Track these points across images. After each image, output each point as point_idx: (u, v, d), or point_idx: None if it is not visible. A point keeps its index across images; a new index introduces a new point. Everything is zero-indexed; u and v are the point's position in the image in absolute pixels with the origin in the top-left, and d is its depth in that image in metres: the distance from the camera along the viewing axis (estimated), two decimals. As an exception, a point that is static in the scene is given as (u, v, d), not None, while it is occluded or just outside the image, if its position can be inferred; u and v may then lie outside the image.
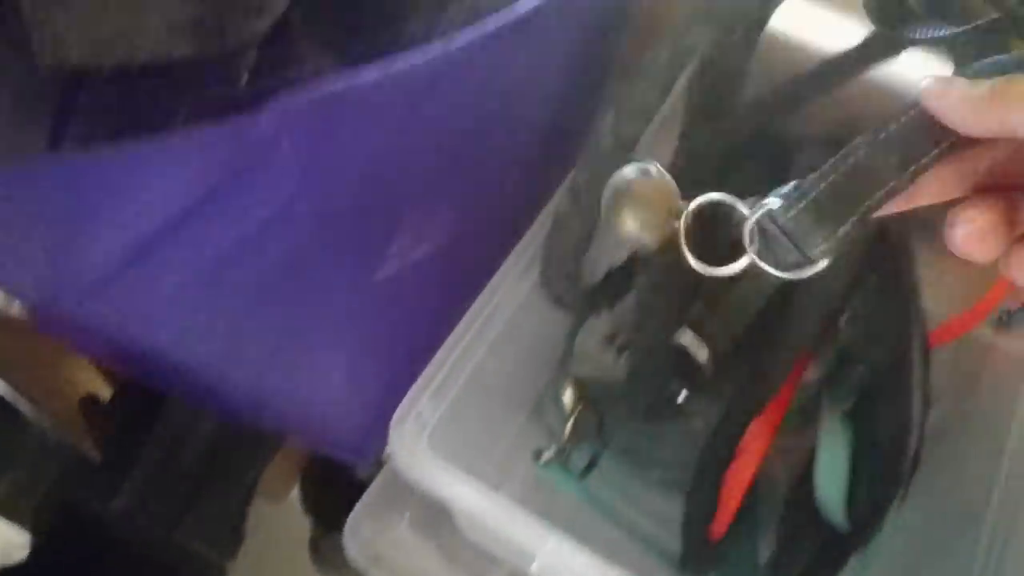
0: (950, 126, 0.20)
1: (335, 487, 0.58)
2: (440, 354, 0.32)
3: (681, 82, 0.43)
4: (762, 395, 0.36)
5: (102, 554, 0.44)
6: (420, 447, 0.31)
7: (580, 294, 0.38)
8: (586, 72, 0.36)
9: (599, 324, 0.40)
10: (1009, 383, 0.38)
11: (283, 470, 0.61)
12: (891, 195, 0.20)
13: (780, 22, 0.47)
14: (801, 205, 0.20)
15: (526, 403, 0.43)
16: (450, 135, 0.30)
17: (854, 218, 0.20)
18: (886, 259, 0.36)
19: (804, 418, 0.39)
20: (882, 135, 0.20)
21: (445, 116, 0.29)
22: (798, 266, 0.21)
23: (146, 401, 0.49)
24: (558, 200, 0.32)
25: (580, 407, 0.41)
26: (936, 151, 0.20)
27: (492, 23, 0.27)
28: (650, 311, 0.36)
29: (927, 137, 0.20)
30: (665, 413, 0.41)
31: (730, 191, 0.45)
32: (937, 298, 0.48)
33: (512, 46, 0.29)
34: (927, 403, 0.38)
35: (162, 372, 0.34)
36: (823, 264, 0.21)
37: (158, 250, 0.26)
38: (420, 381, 0.32)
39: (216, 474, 0.53)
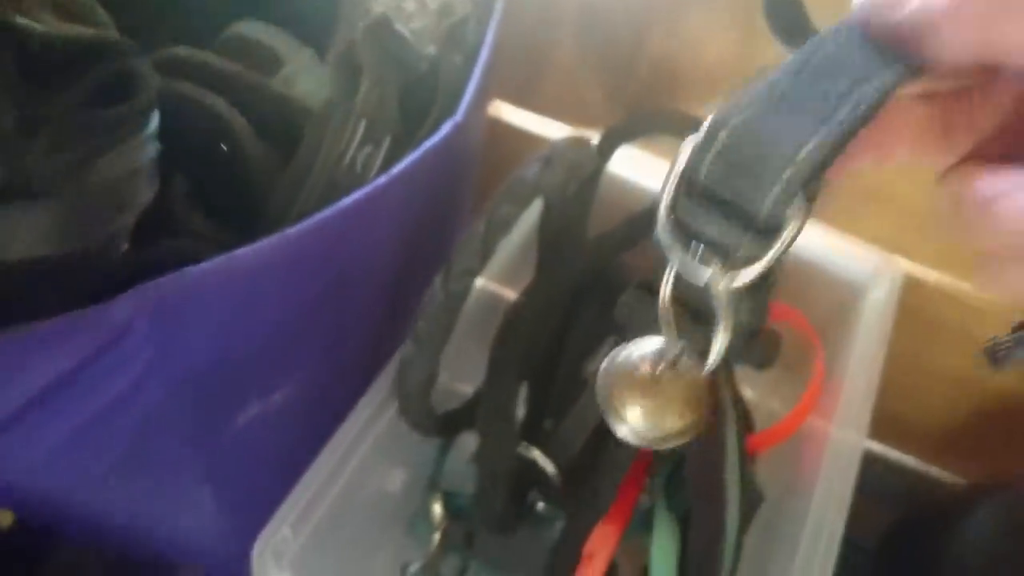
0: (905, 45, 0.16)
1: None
2: (299, 485, 0.37)
3: (533, 223, 0.50)
4: (602, 502, 0.41)
5: None
6: (281, 576, 0.35)
7: (438, 422, 0.43)
8: (428, 236, 0.42)
9: (462, 443, 0.46)
10: (813, 470, 0.44)
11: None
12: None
13: (619, 166, 0.55)
14: None
15: (400, 523, 0.47)
16: (298, 306, 0.35)
17: None
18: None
19: (649, 521, 0.45)
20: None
21: (291, 291, 0.34)
22: None
23: (43, 532, 0.51)
24: (404, 347, 0.38)
25: (447, 521, 0.45)
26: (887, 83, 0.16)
27: (329, 211, 0.33)
28: (495, 433, 0.41)
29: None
30: (524, 522, 0.46)
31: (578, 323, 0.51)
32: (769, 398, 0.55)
33: (351, 226, 0.35)
34: (751, 505, 0.44)
35: (43, 515, 0.38)
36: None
37: (30, 415, 0.31)
38: (279, 512, 0.36)
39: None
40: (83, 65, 0.32)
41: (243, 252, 0.31)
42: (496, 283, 0.53)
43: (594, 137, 0.47)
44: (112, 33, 0.47)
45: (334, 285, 0.36)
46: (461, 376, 0.46)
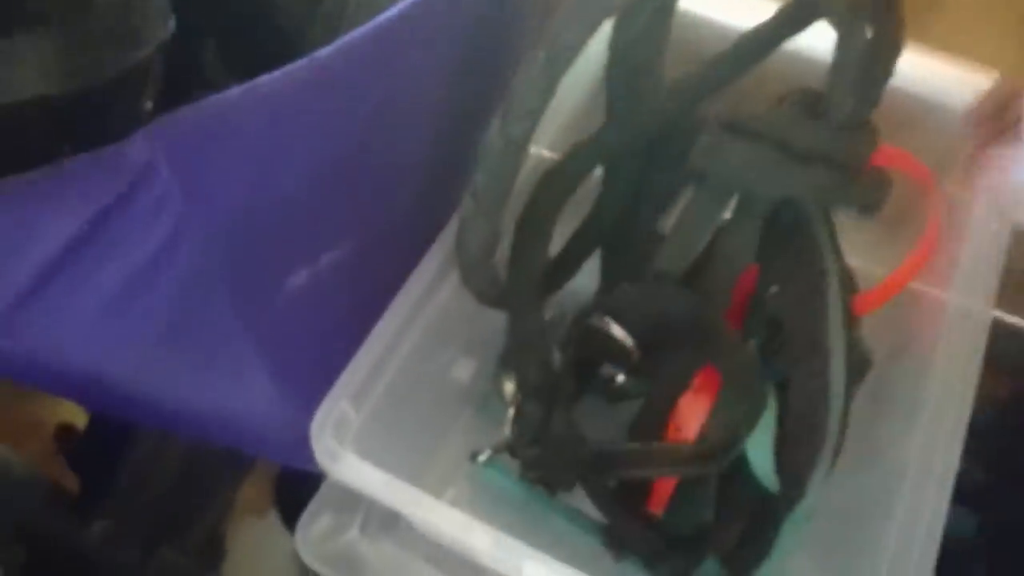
0: None
1: (308, 497, 0.59)
2: (358, 357, 0.33)
3: (597, 72, 0.44)
4: (685, 371, 0.37)
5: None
6: (344, 453, 0.32)
7: (507, 290, 0.39)
8: (481, 75, 0.37)
9: (536, 316, 0.41)
10: (930, 338, 0.39)
11: (262, 484, 0.62)
12: None
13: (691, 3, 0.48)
14: None
15: (471, 401, 0.44)
16: (337, 144, 0.31)
17: None
18: (794, 225, 0.37)
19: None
20: None
21: (326, 125, 0.30)
22: None
23: (119, 426, 0.50)
24: (463, 203, 0.33)
25: (522, 398, 0.41)
26: None
27: (358, 33, 0.28)
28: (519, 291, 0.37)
29: None
30: (605, 396, 0.42)
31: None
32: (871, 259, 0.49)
33: (390, 50, 0.30)
34: (857, 369, 0.39)
35: (97, 398, 0.35)
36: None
37: (53, 282, 0.28)
38: (337, 385, 0.33)
39: (191, 492, 0.54)
40: None
41: (270, 78, 0.26)
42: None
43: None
44: None
45: (376, 121, 0.32)
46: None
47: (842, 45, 0.36)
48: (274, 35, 0.40)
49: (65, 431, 0.54)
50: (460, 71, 0.35)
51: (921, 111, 0.45)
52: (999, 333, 0.57)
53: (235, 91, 0.26)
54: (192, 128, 0.26)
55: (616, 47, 0.42)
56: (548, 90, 0.31)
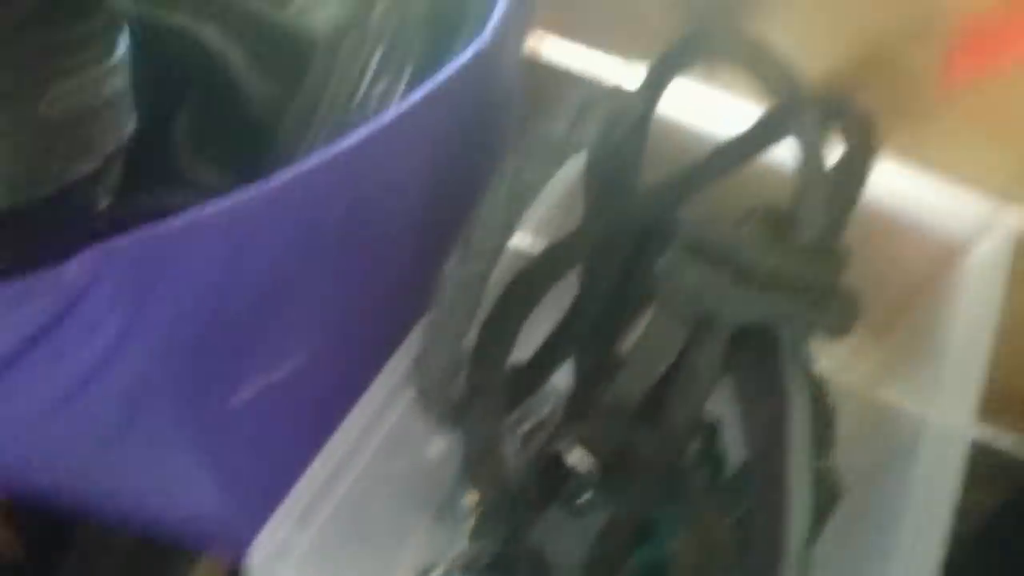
0: None
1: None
2: (305, 478, 0.32)
3: (577, 173, 0.44)
4: (648, 499, 0.36)
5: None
6: (284, 577, 0.31)
7: (465, 400, 0.38)
8: (454, 182, 0.36)
9: (495, 429, 0.40)
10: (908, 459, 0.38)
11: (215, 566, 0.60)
12: None
13: (671, 107, 0.48)
14: None
15: (426, 516, 0.42)
16: (293, 263, 0.30)
17: None
18: (759, 348, 0.36)
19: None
20: None
21: (281, 246, 0.29)
22: None
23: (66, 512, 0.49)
24: (422, 332, 0.33)
25: (481, 513, 0.40)
26: None
27: (319, 155, 0.27)
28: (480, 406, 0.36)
29: None
30: (563, 512, 0.41)
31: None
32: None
33: (350, 172, 0.29)
34: (826, 502, 0.38)
35: (39, 494, 0.34)
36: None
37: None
38: (280, 509, 0.31)
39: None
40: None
41: (216, 207, 0.26)
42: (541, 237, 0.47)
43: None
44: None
45: (335, 240, 0.31)
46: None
47: (809, 166, 0.36)
48: (246, 125, 0.40)
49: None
50: (423, 189, 0.35)
51: (906, 226, 0.45)
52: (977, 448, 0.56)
53: (180, 219, 0.25)
54: (135, 254, 0.25)
55: (594, 152, 0.42)
56: (509, 227, 0.30)
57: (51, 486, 0.36)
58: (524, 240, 0.46)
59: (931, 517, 0.35)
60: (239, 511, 0.36)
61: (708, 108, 0.47)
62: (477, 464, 0.37)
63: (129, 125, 0.31)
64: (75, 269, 0.25)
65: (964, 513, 0.39)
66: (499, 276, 0.39)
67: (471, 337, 0.37)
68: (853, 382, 0.50)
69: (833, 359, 0.50)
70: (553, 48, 0.53)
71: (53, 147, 0.27)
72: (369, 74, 0.36)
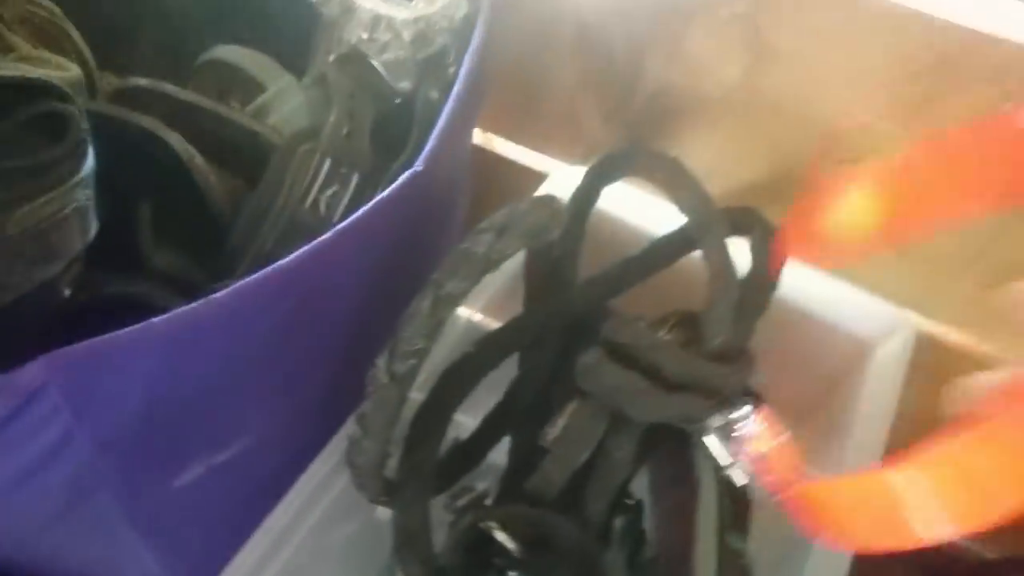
0: None
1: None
2: (242, 554, 0.34)
3: (517, 267, 0.47)
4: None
5: None
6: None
7: (396, 485, 0.40)
8: (398, 282, 0.39)
9: (421, 513, 0.43)
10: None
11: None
12: None
13: (610, 204, 0.51)
14: None
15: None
16: (240, 363, 0.33)
17: None
18: (672, 441, 0.39)
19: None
20: None
21: (223, 354, 0.32)
22: None
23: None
24: (351, 427, 0.35)
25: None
26: None
27: (256, 276, 0.30)
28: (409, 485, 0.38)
29: None
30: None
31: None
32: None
33: (290, 285, 0.32)
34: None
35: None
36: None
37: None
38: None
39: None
40: (8, 105, 0.30)
41: (162, 320, 0.28)
42: (489, 316, 0.50)
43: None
44: (74, 55, 0.45)
45: (280, 342, 0.34)
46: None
47: (717, 278, 0.39)
48: (205, 219, 0.43)
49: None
50: (368, 292, 0.38)
51: (816, 329, 0.49)
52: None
53: (129, 330, 0.28)
54: (84, 360, 0.28)
55: (532, 249, 0.45)
56: (432, 334, 0.33)
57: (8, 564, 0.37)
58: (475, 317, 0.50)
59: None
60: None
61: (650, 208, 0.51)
62: (405, 544, 0.39)
63: (93, 227, 0.34)
64: (28, 374, 0.28)
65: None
66: (446, 352, 0.41)
67: (405, 424, 0.40)
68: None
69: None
70: (505, 147, 0.57)
71: (19, 256, 0.30)
72: (320, 179, 0.40)
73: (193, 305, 0.29)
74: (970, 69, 0.40)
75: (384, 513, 0.46)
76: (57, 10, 0.47)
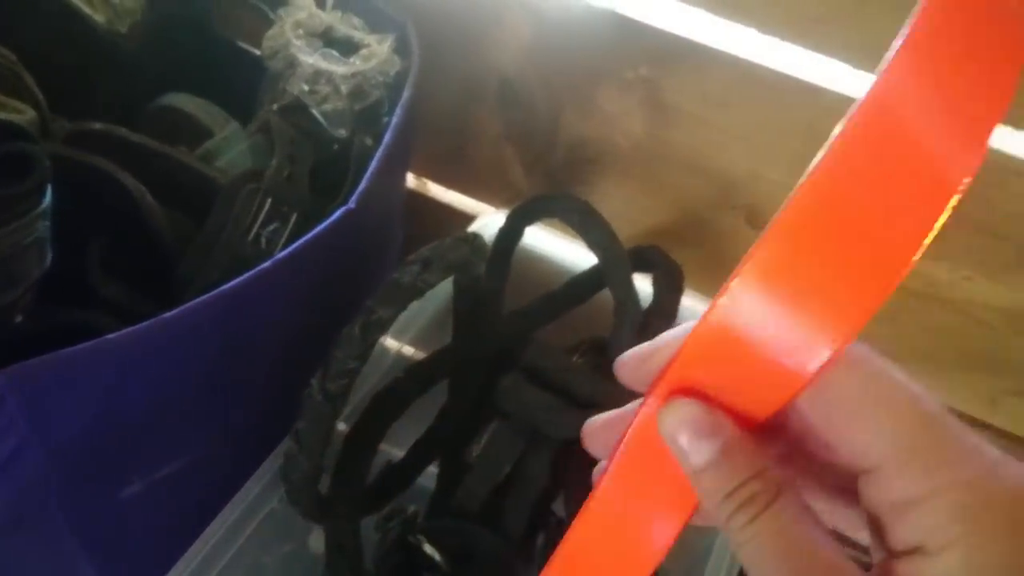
0: None
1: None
2: (179, 564, 0.37)
3: (442, 302, 0.51)
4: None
5: None
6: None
7: (327, 502, 0.43)
8: (331, 312, 0.43)
9: (351, 529, 0.46)
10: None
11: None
12: None
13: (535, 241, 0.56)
14: None
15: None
16: (180, 386, 0.36)
17: None
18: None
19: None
20: None
21: (168, 374, 0.35)
22: None
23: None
24: (287, 444, 0.38)
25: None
26: None
27: (207, 296, 0.33)
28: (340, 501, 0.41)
29: None
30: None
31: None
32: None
33: (234, 309, 0.36)
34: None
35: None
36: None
37: None
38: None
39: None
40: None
41: (113, 337, 0.31)
42: (419, 348, 0.54)
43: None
44: (30, 101, 0.48)
45: (221, 365, 0.37)
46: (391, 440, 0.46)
47: (620, 310, 0.44)
48: (153, 252, 0.46)
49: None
50: (304, 320, 0.41)
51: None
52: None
53: (84, 346, 0.31)
54: (40, 373, 0.31)
55: (460, 284, 0.49)
56: (363, 355, 0.37)
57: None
58: (404, 349, 0.53)
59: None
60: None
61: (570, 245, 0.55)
62: (337, 559, 0.42)
63: (49, 257, 0.37)
64: (-10, 384, 0.30)
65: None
66: (376, 382, 0.44)
67: (337, 443, 0.43)
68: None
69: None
70: (437, 190, 0.61)
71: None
72: (262, 216, 0.43)
73: (143, 324, 0.32)
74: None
75: (316, 542, 0.49)
76: (12, 56, 0.50)
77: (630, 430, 0.20)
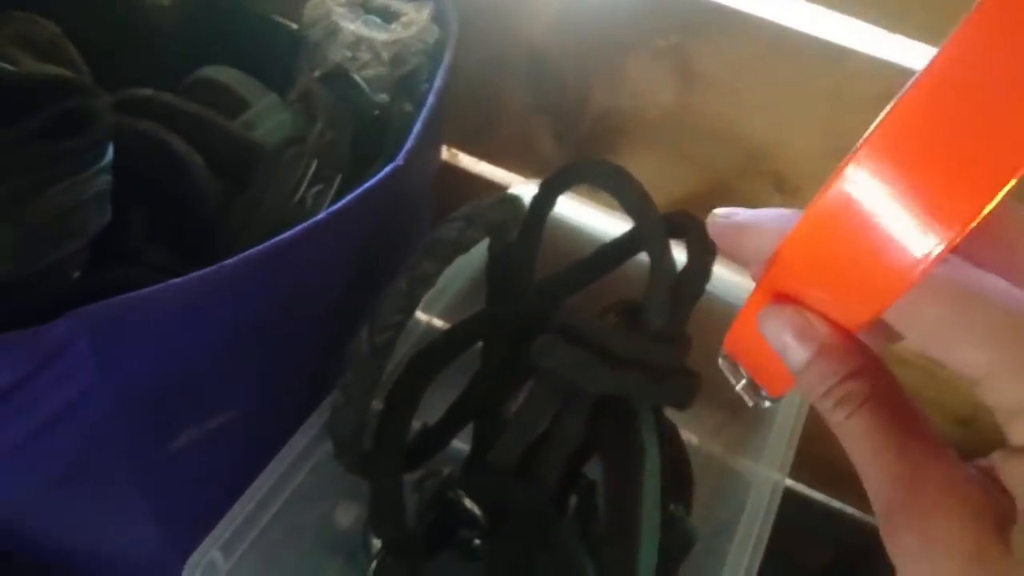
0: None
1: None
2: (233, 510, 0.38)
3: (480, 265, 0.52)
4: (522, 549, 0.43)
5: None
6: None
7: (370, 459, 0.44)
8: (372, 271, 0.44)
9: (394, 483, 0.47)
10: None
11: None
12: None
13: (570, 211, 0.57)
14: None
15: (343, 551, 0.48)
16: (238, 334, 0.37)
17: None
18: (619, 413, 0.44)
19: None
20: None
21: (229, 320, 0.36)
22: None
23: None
24: (334, 395, 0.40)
25: (384, 554, 0.46)
26: None
27: (266, 244, 0.35)
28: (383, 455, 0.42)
29: None
30: (462, 557, 0.47)
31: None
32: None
33: (290, 260, 0.37)
34: (679, 548, 0.45)
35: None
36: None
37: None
38: (211, 535, 0.37)
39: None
40: (41, 100, 0.34)
41: (179, 281, 0.32)
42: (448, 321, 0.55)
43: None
44: (74, 72, 0.49)
45: (274, 315, 0.38)
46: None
47: (657, 270, 0.45)
48: (198, 216, 0.47)
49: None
50: (350, 274, 0.42)
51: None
52: (820, 512, 0.65)
53: (149, 290, 0.32)
54: (107, 317, 0.32)
55: (493, 251, 0.51)
56: (409, 309, 0.38)
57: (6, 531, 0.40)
58: (434, 322, 0.54)
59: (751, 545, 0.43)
60: (172, 544, 0.41)
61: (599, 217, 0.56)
62: (381, 511, 0.43)
63: (108, 213, 0.38)
64: (58, 330, 0.31)
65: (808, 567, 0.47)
66: (409, 349, 0.46)
67: (379, 399, 0.44)
68: (715, 451, 0.58)
69: (701, 432, 0.60)
70: (466, 160, 0.62)
71: (45, 234, 0.34)
72: (307, 179, 0.44)
73: (204, 270, 0.33)
74: (865, 93, 0.48)
75: (343, 516, 0.50)
76: (57, 29, 0.51)
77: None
